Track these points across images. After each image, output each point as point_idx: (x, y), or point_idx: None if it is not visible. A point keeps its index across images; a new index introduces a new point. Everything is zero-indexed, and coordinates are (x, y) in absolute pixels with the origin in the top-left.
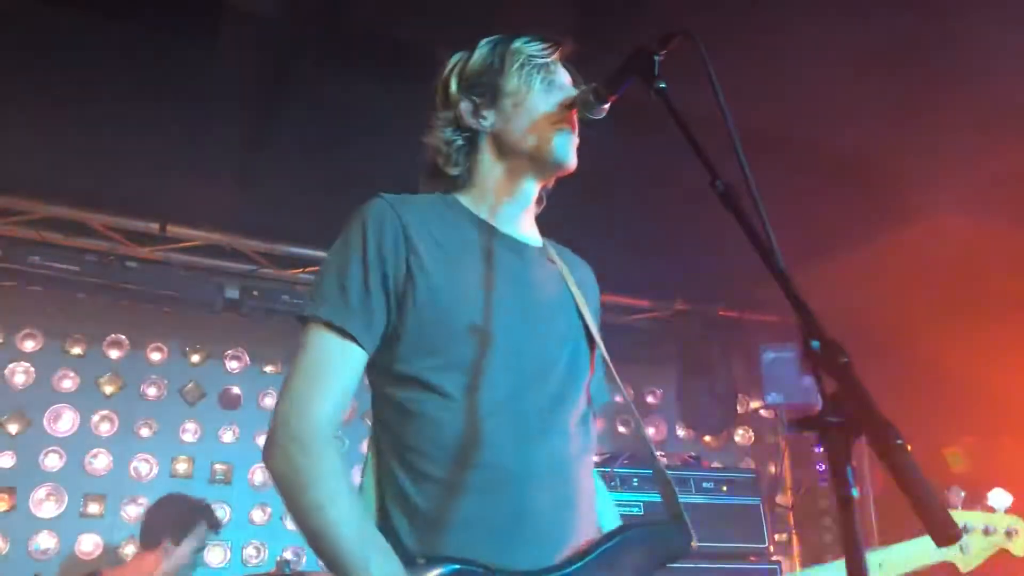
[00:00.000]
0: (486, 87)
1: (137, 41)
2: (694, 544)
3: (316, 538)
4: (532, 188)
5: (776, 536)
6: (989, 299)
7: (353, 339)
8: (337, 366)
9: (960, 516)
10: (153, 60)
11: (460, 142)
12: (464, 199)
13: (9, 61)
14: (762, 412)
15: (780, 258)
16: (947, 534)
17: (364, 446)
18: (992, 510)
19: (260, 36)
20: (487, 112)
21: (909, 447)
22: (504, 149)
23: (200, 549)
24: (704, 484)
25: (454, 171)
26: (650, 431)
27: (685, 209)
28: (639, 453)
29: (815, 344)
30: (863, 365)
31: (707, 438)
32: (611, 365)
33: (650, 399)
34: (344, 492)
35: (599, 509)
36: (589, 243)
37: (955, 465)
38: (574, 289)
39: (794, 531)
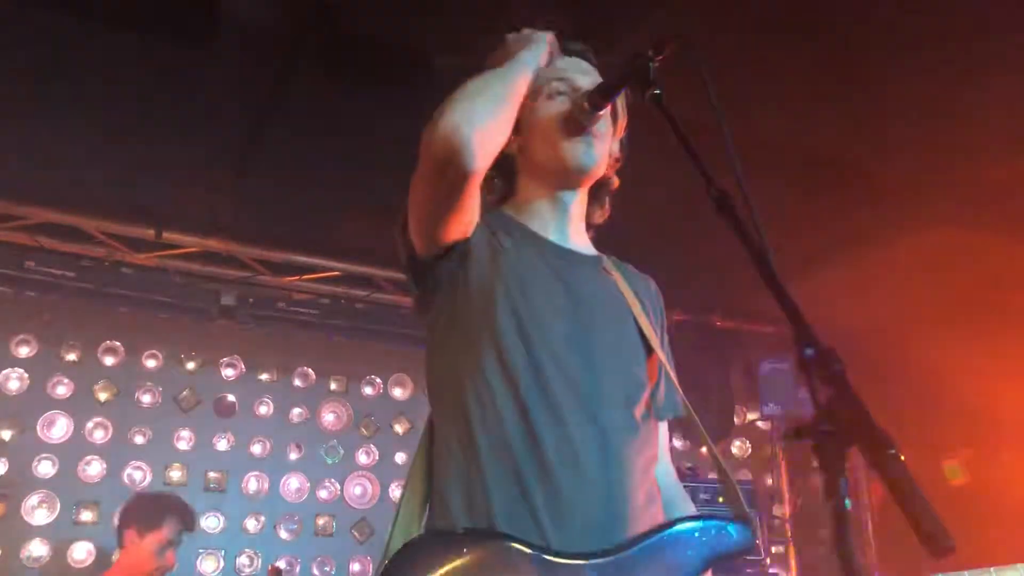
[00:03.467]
0: None
1: (134, 48)
2: (757, 542)
3: (493, 100)
4: (570, 198)
5: (773, 548)
6: (989, 311)
7: None
8: None
9: None
10: (150, 66)
11: (490, 171)
12: (509, 211)
13: (4, 67)
14: (759, 423)
15: (774, 266)
16: (941, 546)
17: (358, 455)
18: None
19: (256, 43)
20: (512, 138)
21: (903, 457)
22: (531, 167)
23: (169, 545)
24: (700, 495)
25: (490, 197)
26: None
27: (681, 219)
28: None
29: (809, 352)
30: (861, 377)
31: (704, 449)
32: (674, 378)
33: None
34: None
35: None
36: None
37: (953, 478)
38: (631, 299)
39: (791, 543)
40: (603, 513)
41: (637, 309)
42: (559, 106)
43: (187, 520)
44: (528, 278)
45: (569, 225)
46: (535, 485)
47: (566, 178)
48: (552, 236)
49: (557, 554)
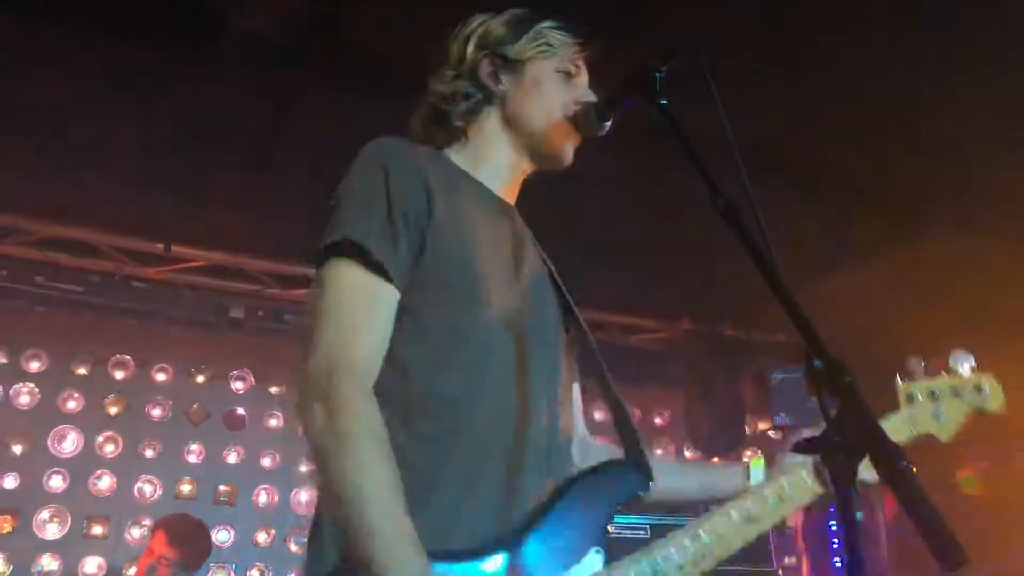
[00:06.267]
0: (507, 55)
1: (140, 61)
2: (653, 483)
3: (342, 508)
4: (527, 165)
5: (786, 559)
6: (999, 319)
7: (381, 271)
8: (371, 305)
9: (924, 385)
10: (156, 80)
11: (478, 96)
12: (456, 157)
13: (12, 82)
14: (770, 433)
15: (782, 276)
16: (954, 559)
17: None
18: (955, 372)
19: (263, 56)
20: (505, 78)
21: (915, 469)
22: (513, 121)
23: (160, 559)
24: (710, 506)
25: (457, 122)
26: (658, 453)
27: (692, 229)
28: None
29: (817, 363)
30: (871, 387)
31: (715, 459)
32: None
33: (658, 420)
34: (380, 462)
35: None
36: (595, 263)
37: (968, 488)
38: (548, 261)
39: (804, 554)
40: (539, 487)
41: (554, 270)
42: (565, 88)
43: (173, 535)
44: (474, 238)
45: (513, 185)
46: (475, 454)
47: (541, 160)
48: (499, 192)
49: (459, 555)
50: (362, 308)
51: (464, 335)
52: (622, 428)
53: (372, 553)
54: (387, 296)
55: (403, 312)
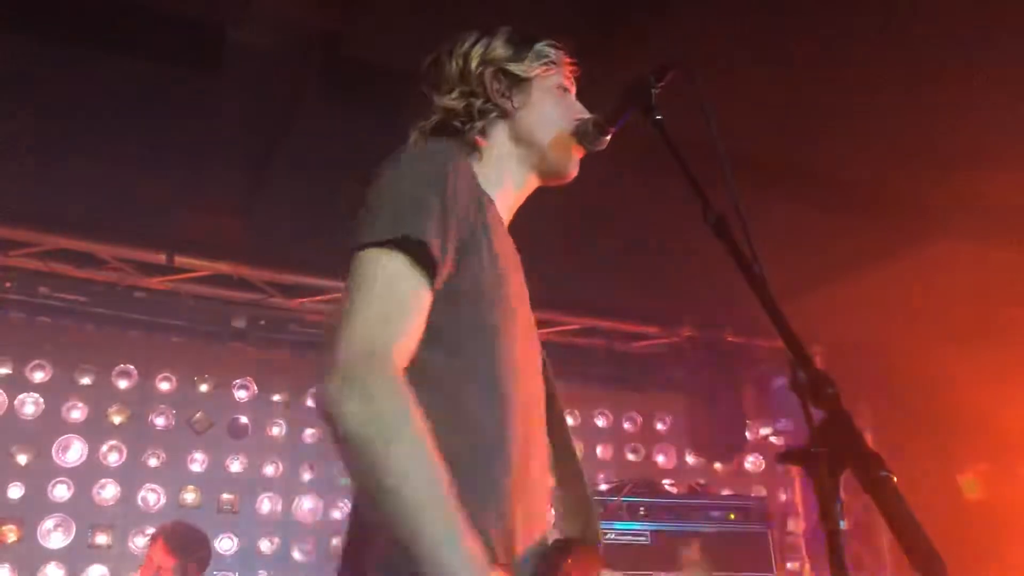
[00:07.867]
0: (514, 72)
1: (143, 74)
2: (599, 545)
3: (388, 502)
4: (533, 182)
5: (788, 564)
6: (1003, 324)
7: (425, 272)
8: (414, 304)
9: None
10: (159, 93)
11: (493, 113)
12: (479, 174)
13: (17, 96)
14: (772, 439)
15: (770, 289)
16: (932, 568)
17: None
18: None
19: (264, 70)
20: (514, 95)
21: (895, 479)
22: (523, 138)
23: (159, 569)
24: (712, 513)
25: (471, 133)
26: (660, 459)
27: (692, 234)
28: (645, 481)
29: (801, 376)
30: (876, 392)
31: (717, 465)
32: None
33: (659, 426)
34: (426, 452)
35: None
36: (597, 269)
37: (969, 492)
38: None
39: (806, 559)
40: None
41: None
42: (566, 107)
43: (172, 543)
44: (505, 268)
45: (518, 203)
46: (507, 482)
47: (547, 176)
48: (507, 210)
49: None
50: (408, 300)
51: (490, 366)
52: (572, 483)
53: (430, 555)
54: (425, 299)
55: (441, 336)
